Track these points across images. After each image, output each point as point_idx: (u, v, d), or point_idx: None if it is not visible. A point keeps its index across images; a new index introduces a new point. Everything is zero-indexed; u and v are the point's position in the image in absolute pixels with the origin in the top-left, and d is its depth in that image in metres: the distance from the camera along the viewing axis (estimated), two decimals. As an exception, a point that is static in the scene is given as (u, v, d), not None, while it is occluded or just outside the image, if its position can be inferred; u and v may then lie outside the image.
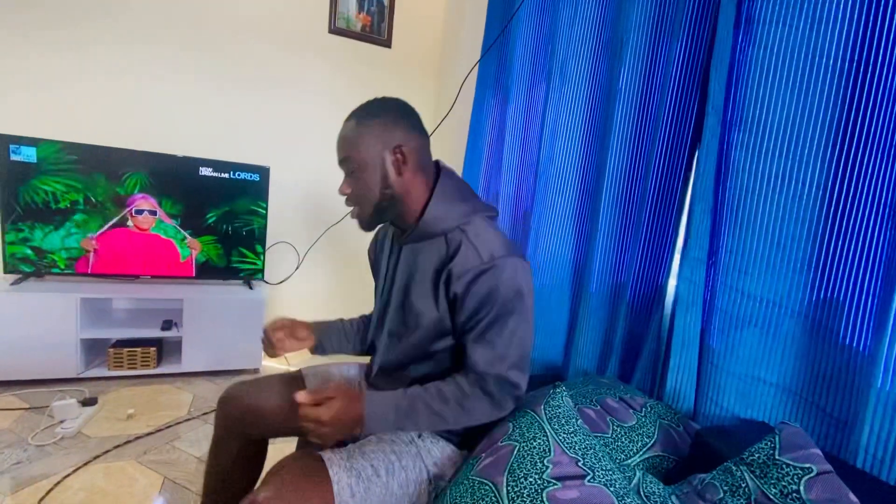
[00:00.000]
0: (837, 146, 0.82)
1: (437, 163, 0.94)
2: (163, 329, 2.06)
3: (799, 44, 0.85)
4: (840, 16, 0.81)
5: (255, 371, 2.24)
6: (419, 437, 0.89)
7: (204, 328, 2.07)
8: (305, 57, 2.44)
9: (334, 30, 2.45)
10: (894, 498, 0.66)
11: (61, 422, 1.60)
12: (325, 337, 1.10)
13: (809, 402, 0.84)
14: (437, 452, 0.88)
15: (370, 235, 1.07)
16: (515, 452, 0.72)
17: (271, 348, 1.00)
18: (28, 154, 1.83)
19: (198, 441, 1.62)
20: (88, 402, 1.72)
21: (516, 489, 0.66)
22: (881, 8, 0.76)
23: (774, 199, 0.89)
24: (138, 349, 2.01)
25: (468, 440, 0.89)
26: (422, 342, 0.88)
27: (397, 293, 0.93)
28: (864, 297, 0.78)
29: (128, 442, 1.57)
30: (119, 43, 2.10)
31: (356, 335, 1.14)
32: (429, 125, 2.81)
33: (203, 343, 2.08)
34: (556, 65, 1.47)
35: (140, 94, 2.16)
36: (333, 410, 0.75)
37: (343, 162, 0.90)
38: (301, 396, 0.76)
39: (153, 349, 2.03)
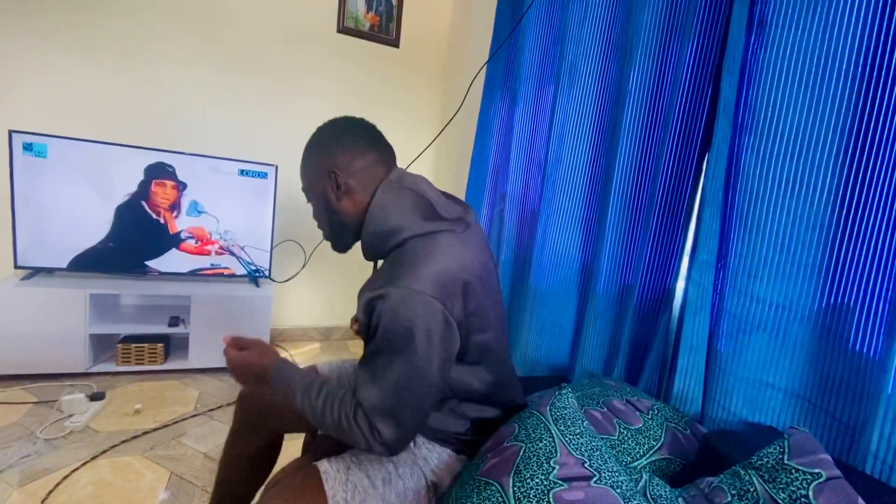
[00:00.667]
0: (850, 151, 0.81)
1: (389, 166, 0.88)
2: (170, 325, 2.08)
3: (812, 47, 0.85)
4: (854, 20, 0.80)
5: (261, 368, 2.24)
6: (415, 444, 0.88)
7: (210, 325, 2.08)
8: (314, 56, 2.45)
9: (343, 29, 2.46)
10: (904, 505, 0.65)
11: (70, 416, 1.61)
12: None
13: (818, 408, 0.84)
14: (435, 459, 0.87)
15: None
16: (522, 453, 0.72)
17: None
18: (39, 150, 1.85)
19: (204, 437, 1.64)
20: (96, 396, 1.74)
21: (522, 490, 0.66)
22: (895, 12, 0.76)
23: (785, 204, 0.88)
24: (146, 345, 2.02)
25: (467, 445, 0.89)
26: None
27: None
28: (875, 303, 0.78)
29: (135, 437, 1.58)
30: (129, 41, 2.11)
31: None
32: (435, 125, 2.82)
33: (209, 340, 2.09)
34: (565, 66, 1.47)
35: (149, 92, 2.18)
36: (244, 357, 0.83)
37: (303, 191, 0.91)
38: (226, 338, 0.86)
39: (160, 345, 2.05)
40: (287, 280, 2.54)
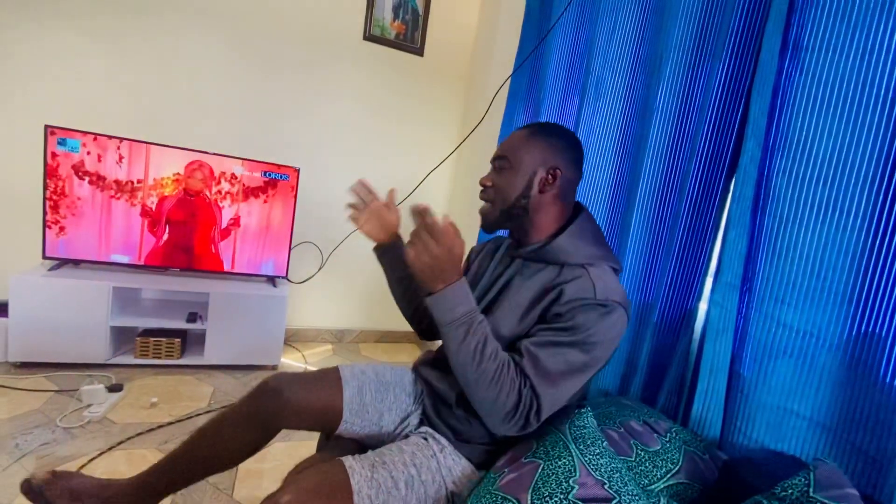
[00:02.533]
0: (884, 177, 0.80)
1: (578, 203, 0.98)
2: (188, 321, 2.11)
3: (848, 73, 0.84)
4: (891, 45, 0.79)
5: (274, 367, 2.27)
6: (441, 451, 0.89)
7: (227, 322, 2.12)
8: (340, 62, 2.49)
9: (369, 37, 2.50)
10: (935, 546, 0.63)
11: (88, 406, 1.65)
12: (396, 252, 1.12)
13: (844, 439, 0.82)
14: (458, 471, 0.88)
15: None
16: (540, 471, 0.72)
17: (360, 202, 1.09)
18: (73, 146, 1.90)
19: (216, 434, 1.65)
20: (115, 388, 1.77)
21: (541, 508, 0.65)
22: (938, 39, 0.75)
23: (816, 228, 0.87)
24: (164, 339, 2.06)
25: (487, 461, 0.89)
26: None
27: (488, 299, 0.94)
28: (907, 335, 0.76)
29: (150, 430, 1.61)
30: (159, 42, 2.17)
31: (415, 290, 1.12)
32: (457, 134, 2.84)
33: (225, 337, 2.12)
34: (592, 80, 1.47)
35: (174, 93, 2.23)
36: (439, 251, 0.76)
37: (498, 159, 0.94)
38: (450, 224, 0.78)
39: (178, 340, 2.08)
40: (303, 281, 2.56)
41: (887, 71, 0.80)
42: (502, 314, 0.87)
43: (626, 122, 1.37)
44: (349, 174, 2.60)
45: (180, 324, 2.10)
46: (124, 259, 2.07)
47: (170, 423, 1.67)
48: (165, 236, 2.12)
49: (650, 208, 1.24)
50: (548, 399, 0.76)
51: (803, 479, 0.66)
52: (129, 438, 1.54)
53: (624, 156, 1.37)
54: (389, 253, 1.12)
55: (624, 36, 1.38)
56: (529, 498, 0.67)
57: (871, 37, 0.81)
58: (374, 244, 1.13)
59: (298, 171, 2.27)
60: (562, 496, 0.66)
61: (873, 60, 0.81)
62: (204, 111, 2.29)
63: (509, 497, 0.69)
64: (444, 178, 2.74)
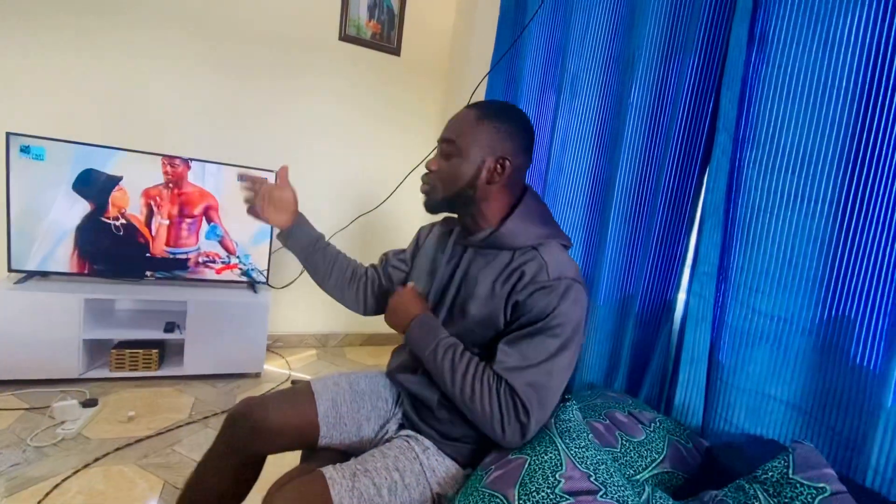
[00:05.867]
0: (850, 165, 0.82)
1: (525, 185, 0.96)
2: (165, 331, 2.05)
3: (812, 63, 0.86)
4: (853, 36, 0.82)
5: (257, 375, 2.23)
6: (424, 452, 0.88)
7: (207, 331, 2.07)
8: (315, 63, 2.46)
9: (345, 37, 2.47)
10: (908, 520, 0.65)
11: (61, 423, 1.59)
12: (302, 231, 1.08)
13: (819, 421, 0.84)
14: (443, 471, 0.87)
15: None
16: (527, 466, 0.72)
17: (253, 194, 1.04)
18: (37, 153, 1.83)
19: (199, 445, 1.61)
20: (89, 403, 1.71)
21: (528, 503, 0.65)
22: (894, 29, 0.77)
23: (785, 217, 0.89)
24: (140, 351, 2.00)
25: (473, 460, 0.89)
26: (460, 334, 0.88)
27: (451, 295, 0.93)
28: (875, 316, 0.78)
29: (128, 445, 1.56)
30: (129, 45, 2.11)
31: (340, 266, 1.13)
32: (436, 132, 2.84)
33: (205, 346, 2.07)
34: (567, 77, 1.48)
35: (149, 96, 2.17)
36: (396, 299, 0.94)
37: (446, 142, 0.90)
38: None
39: (155, 351, 2.02)
40: (285, 286, 2.52)
41: (849, 62, 0.82)
42: (471, 307, 0.87)
43: (602, 118, 1.38)
44: (329, 175, 2.58)
45: (157, 334, 2.04)
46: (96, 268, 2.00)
47: (148, 437, 1.62)
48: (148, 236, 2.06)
49: (628, 202, 1.26)
50: (527, 392, 0.76)
51: (783, 462, 0.68)
52: (106, 454, 1.49)
53: (601, 151, 1.39)
54: (296, 233, 1.07)
55: (597, 33, 1.40)
56: (516, 493, 0.67)
57: (833, 29, 0.84)
58: (278, 231, 1.08)
59: (276, 173, 2.23)
60: (548, 490, 0.66)
61: (836, 52, 0.84)
62: (178, 116, 2.23)
63: (496, 494, 0.69)
64: (425, 179, 2.74)
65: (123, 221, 2.02)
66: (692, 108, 1.09)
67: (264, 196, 1.03)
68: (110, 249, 2.01)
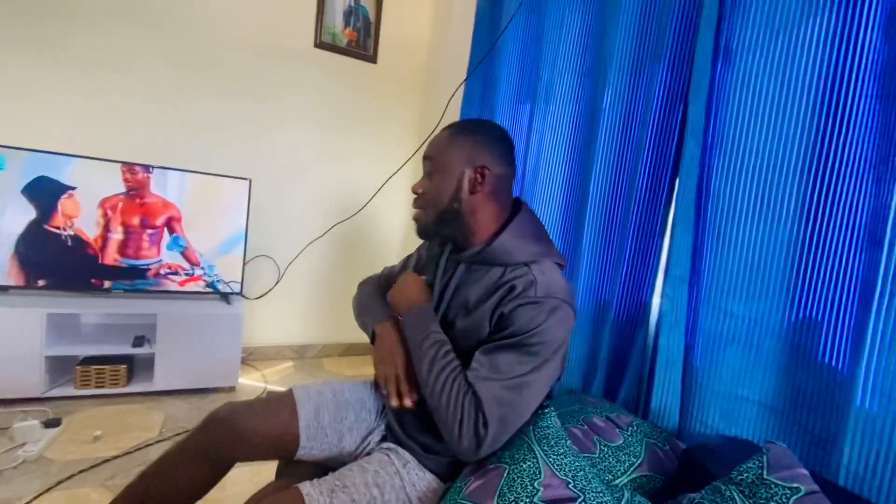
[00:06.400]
0: (813, 171, 0.85)
1: (517, 199, 0.96)
2: (134, 345, 1.98)
3: (774, 73, 0.89)
4: (812, 47, 0.85)
5: (232, 389, 2.16)
6: (404, 466, 0.87)
7: (178, 344, 2.00)
8: (290, 70, 2.43)
9: (320, 44, 2.45)
10: (876, 516, 0.67)
11: (22, 445, 1.51)
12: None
13: (791, 421, 0.86)
14: (423, 486, 0.86)
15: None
16: (505, 475, 0.71)
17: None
18: (-4, 162, 1.75)
19: (169, 464, 1.55)
20: (52, 423, 1.63)
21: (507, 514, 0.64)
22: (851, 39, 0.80)
23: (753, 222, 0.91)
24: (107, 367, 1.92)
25: (454, 473, 0.87)
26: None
27: (441, 310, 0.92)
28: (841, 318, 0.81)
29: (93, 466, 1.49)
30: (101, 53, 2.05)
31: None
32: (413, 141, 2.83)
33: (177, 360, 2.00)
34: (542, 86, 1.50)
35: (121, 104, 2.11)
36: (408, 281, 0.96)
37: (426, 159, 0.93)
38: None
39: (123, 367, 1.94)
40: (260, 297, 2.47)
41: (809, 72, 0.85)
42: (456, 323, 0.87)
43: (576, 125, 1.40)
44: (304, 183, 2.55)
45: (126, 349, 1.96)
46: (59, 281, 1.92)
47: (116, 457, 1.55)
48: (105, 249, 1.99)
49: (602, 209, 1.27)
50: (491, 406, 0.74)
51: (757, 463, 0.69)
52: (70, 477, 1.42)
53: (575, 158, 1.40)
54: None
55: (570, 43, 1.42)
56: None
57: (793, 41, 0.87)
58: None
59: (250, 181, 2.19)
60: (527, 499, 0.66)
61: (796, 63, 0.87)
62: (149, 124, 2.17)
63: (476, 505, 0.68)
64: (402, 185, 2.72)
65: (71, 232, 1.93)
66: (663, 115, 1.11)
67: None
68: (57, 260, 1.92)
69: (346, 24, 2.50)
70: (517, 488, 0.68)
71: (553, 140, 1.45)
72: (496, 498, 0.67)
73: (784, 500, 0.63)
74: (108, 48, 2.07)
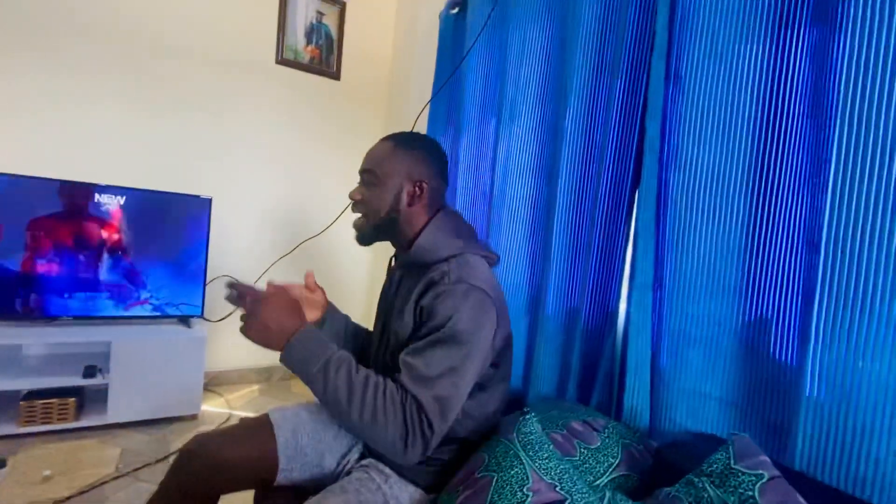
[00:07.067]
0: (757, 183, 0.94)
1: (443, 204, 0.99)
2: (85, 376, 1.85)
3: (719, 96, 0.98)
4: (751, 71, 0.94)
5: (194, 417, 2.06)
6: (386, 482, 0.87)
7: (134, 373, 1.89)
8: (251, 87, 2.40)
9: (281, 60, 2.44)
10: (832, 497, 0.74)
11: (-41, 492, 1.38)
12: (334, 318, 1.08)
13: (750, 414, 0.93)
14: (406, 498, 0.86)
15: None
16: (494, 484, 0.73)
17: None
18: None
19: (129, 501, 1.46)
20: (-6, 465, 1.50)
21: (500, 520, 0.66)
22: (784, 63, 0.90)
23: (707, 231, 0.99)
24: (55, 400, 1.79)
25: (436, 484, 0.88)
26: (393, 355, 0.85)
27: (385, 317, 0.95)
28: (787, 315, 0.89)
29: (44, 509, 1.38)
30: (54, 70, 1.96)
31: (349, 338, 1.10)
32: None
33: (133, 390, 1.89)
34: (506, 102, 1.57)
35: (77, 123, 2.01)
36: (270, 310, 0.79)
37: (364, 172, 0.94)
38: (269, 286, 0.84)
39: (72, 400, 1.82)
40: (221, 319, 2.38)
41: (748, 94, 0.95)
42: (397, 326, 0.88)
43: (540, 141, 1.47)
44: (266, 202, 2.50)
45: (76, 380, 1.83)
46: (-1, 312, 1.78)
47: (69, 498, 1.44)
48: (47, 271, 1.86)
49: (568, 222, 1.33)
50: (433, 406, 0.73)
51: (724, 454, 0.74)
52: (16, 523, 1.31)
53: (541, 171, 1.46)
54: (329, 320, 1.07)
55: (532, 61, 1.49)
56: (488, 512, 0.68)
57: (735, 65, 0.96)
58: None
59: (210, 200, 2.13)
60: (519, 505, 0.68)
61: (738, 85, 0.96)
62: (105, 143, 2.07)
63: (468, 515, 0.69)
64: (368, 202, 2.72)
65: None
66: (622, 132, 1.19)
67: (301, 299, 0.99)
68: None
69: (309, 41, 2.50)
70: (507, 495, 0.70)
71: (518, 155, 1.51)
72: (488, 506, 0.69)
73: (750, 486, 0.69)
74: (58, 64, 1.97)
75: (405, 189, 0.90)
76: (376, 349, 0.97)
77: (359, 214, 0.95)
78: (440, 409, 0.74)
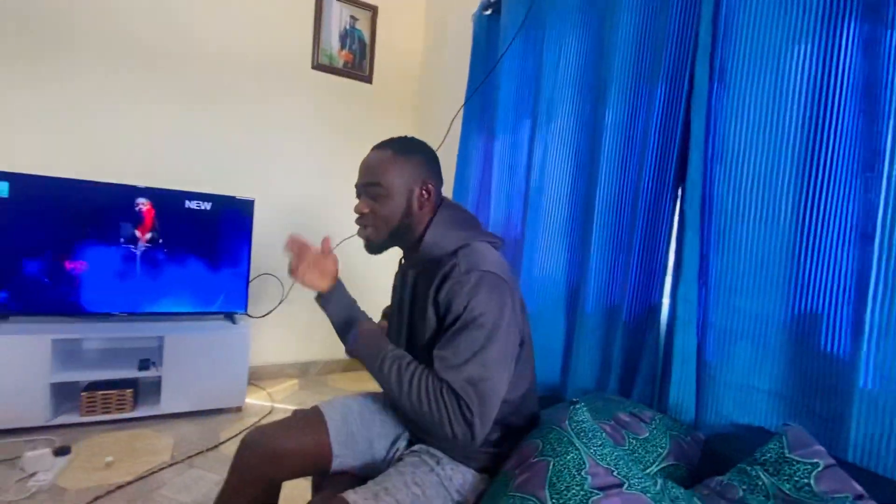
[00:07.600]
0: (806, 178, 0.94)
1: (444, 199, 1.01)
2: (140, 369, 1.96)
3: (767, 92, 0.99)
4: (800, 69, 0.95)
5: (239, 409, 2.15)
6: (438, 464, 0.91)
7: (184, 366, 1.99)
8: (289, 91, 2.48)
9: (317, 66, 2.52)
10: (887, 487, 0.74)
11: (33, 474, 1.48)
12: (341, 294, 1.04)
13: (800, 406, 0.93)
14: (459, 479, 0.90)
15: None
16: (551, 467, 0.76)
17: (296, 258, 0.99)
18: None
19: (186, 487, 1.55)
20: (61, 451, 1.60)
21: (561, 501, 0.69)
22: (835, 60, 0.90)
23: (754, 225, 1.00)
24: (113, 392, 1.90)
25: (492, 460, 0.92)
26: (421, 357, 0.89)
27: (405, 316, 0.98)
28: (840, 309, 0.89)
29: (108, 493, 1.47)
30: (103, 76, 2.08)
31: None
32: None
33: (184, 382, 1.99)
34: (543, 104, 1.59)
35: (122, 127, 2.13)
36: (305, 263, 0.96)
37: (369, 185, 0.94)
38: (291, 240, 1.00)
39: (129, 391, 1.93)
40: (264, 315, 2.47)
41: (796, 91, 0.95)
42: (419, 325, 0.91)
43: (579, 140, 1.49)
44: (305, 203, 2.58)
45: (131, 373, 1.94)
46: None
47: (130, 483, 1.54)
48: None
49: (609, 218, 1.35)
50: (466, 389, 0.77)
51: (778, 444, 0.76)
52: (87, 504, 1.41)
53: (580, 170, 1.48)
54: (333, 296, 1.03)
55: (569, 62, 1.51)
56: (548, 494, 0.71)
57: (781, 64, 0.97)
58: (316, 294, 1.04)
59: (253, 202, 2.22)
60: (577, 488, 0.71)
61: (785, 83, 0.96)
62: (152, 147, 2.19)
63: (528, 496, 0.73)
64: (400, 202, 2.78)
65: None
66: (664, 129, 1.20)
67: (310, 262, 1.00)
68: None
69: (343, 46, 2.57)
70: (566, 478, 0.73)
71: (557, 153, 1.53)
72: (548, 488, 0.72)
73: (806, 475, 0.70)
74: (107, 70, 2.09)
75: (415, 195, 0.93)
76: (394, 339, 1.00)
77: (368, 228, 0.96)
78: (475, 392, 0.77)
